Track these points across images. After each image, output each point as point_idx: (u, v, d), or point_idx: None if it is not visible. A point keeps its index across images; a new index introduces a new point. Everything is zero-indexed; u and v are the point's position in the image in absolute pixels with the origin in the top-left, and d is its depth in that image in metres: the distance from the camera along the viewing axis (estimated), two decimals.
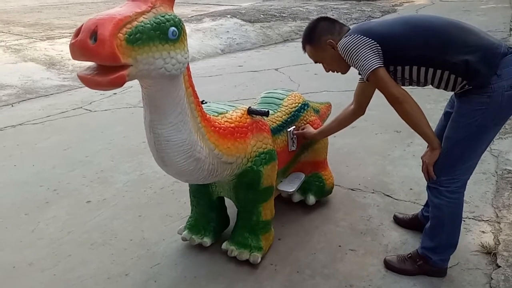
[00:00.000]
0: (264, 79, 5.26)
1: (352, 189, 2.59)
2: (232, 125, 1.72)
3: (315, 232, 2.19)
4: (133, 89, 4.69)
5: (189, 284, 1.87)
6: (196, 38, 7.14)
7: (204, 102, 1.84)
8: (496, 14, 9.43)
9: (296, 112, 2.21)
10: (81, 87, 5.00)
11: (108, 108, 4.36)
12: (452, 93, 1.71)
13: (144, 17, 1.17)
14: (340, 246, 2.08)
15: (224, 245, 2.00)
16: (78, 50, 1.08)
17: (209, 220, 2.06)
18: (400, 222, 2.22)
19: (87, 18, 1.11)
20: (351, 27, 1.75)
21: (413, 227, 2.16)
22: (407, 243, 2.08)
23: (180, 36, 1.26)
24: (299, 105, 2.26)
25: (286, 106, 2.19)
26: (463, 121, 1.59)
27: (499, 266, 1.87)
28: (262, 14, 9.32)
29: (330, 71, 1.89)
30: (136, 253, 2.09)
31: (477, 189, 2.50)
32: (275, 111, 2.13)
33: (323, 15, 9.00)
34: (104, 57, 1.07)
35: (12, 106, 4.54)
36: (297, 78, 5.18)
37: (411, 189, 2.56)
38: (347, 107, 2.07)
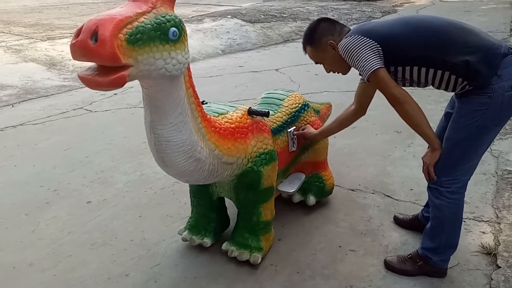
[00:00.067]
0: (265, 79, 5.26)
1: (352, 190, 2.59)
2: (233, 125, 1.72)
3: (315, 232, 2.19)
4: (133, 89, 4.69)
5: (189, 285, 1.87)
6: (196, 39, 7.14)
7: (204, 102, 1.84)
8: (496, 15, 9.45)
9: (297, 113, 2.21)
10: (81, 88, 5.00)
11: (108, 109, 4.36)
12: (453, 93, 1.71)
13: (144, 18, 1.17)
14: (340, 246, 2.08)
15: (224, 246, 2.00)
16: (79, 50, 1.08)
17: (210, 221, 2.06)
18: (400, 222, 2.22)
19: (88, 19, 1.11)
20: (351, 27, 1.75)
21: (413, 227, 2.15)
22: (407, 243, 2.08)
23: (180, 36, 1.26)
24: (300, 105, 2.26)
25: (287, 106, 2.19)
26: (463, 122, 1.59)
27: (499, 267, 1.87)
28: (263, 15, 9.33)
29: (331, 72, 1.89)
30: (136, 254, 2.09)
31: (477, 189, 2.50)
32: (276, 111, 2.13)
33: (323, 15, 9.04)
34: (105, 57, 1.07)
35: (13, 106, 4.54)
36: (297, 79, 5.18)
37: (411, 189, 2.56)
38: (347, 108, 2.07)
